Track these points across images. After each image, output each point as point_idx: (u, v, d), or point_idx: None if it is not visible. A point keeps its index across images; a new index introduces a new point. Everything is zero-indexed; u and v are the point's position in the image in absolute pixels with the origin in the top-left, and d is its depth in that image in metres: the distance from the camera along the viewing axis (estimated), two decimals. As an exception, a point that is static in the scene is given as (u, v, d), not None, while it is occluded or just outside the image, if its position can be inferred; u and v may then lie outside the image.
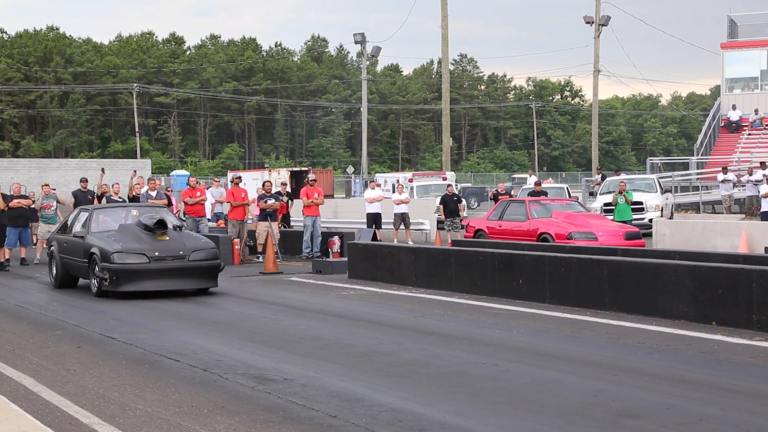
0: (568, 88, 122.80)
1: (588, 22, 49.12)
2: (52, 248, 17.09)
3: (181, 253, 14.94)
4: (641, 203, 27.06)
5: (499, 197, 26.13)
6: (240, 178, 24.18)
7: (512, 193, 33.69)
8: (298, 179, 40.77)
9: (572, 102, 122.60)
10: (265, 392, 7.82)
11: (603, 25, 48.93)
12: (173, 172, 59.74)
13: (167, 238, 15.23)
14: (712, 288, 11.06)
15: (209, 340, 10.66)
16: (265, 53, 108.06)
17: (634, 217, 24.43)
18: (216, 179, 30.67)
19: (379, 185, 29.61)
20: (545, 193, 25.90)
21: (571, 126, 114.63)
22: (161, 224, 15.32)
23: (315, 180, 23.95)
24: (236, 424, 6.83)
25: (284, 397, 7.63)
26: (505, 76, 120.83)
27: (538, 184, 28.45)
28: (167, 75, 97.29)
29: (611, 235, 19.54)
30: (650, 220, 24.36)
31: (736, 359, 8.99)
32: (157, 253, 14.79)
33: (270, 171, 47.52)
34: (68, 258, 16.33)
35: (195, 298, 14.97)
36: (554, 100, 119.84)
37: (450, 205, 26.22)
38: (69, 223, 17.09)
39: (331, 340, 10.57)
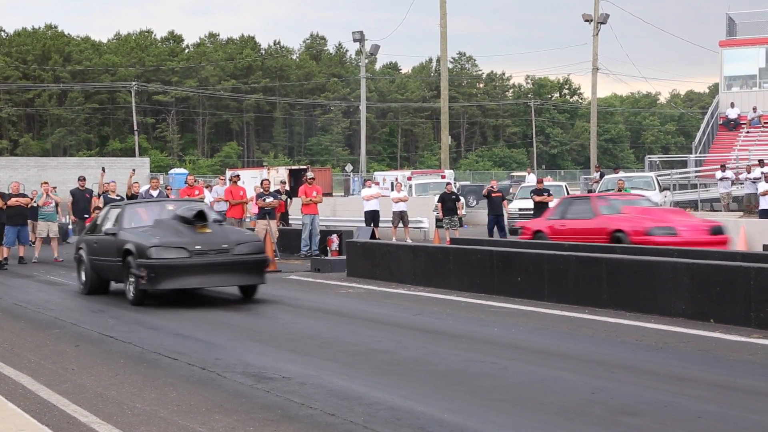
0: (566, 86, 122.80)
1: (587, 20, 49.11)
2: (81, 251, 15.67)
3: (224, 246, 13.64)
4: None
5: (492, 194, 26.00)
6: (238, 176, 24.17)
7: (510, 191, 33.62)
8: (296, 177, 40.75)
9: (571, 100, 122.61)
10: (263, 390, 7.82)
11: (602, 23, 48.93)
12: (171, 171, 59.70)
13: (208, 230, 13.92)
14: (710, 286, 11.06)
15: (207, 338, 10.66)
16: (263, 51, 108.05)
17: None
18: (222, 177, 30.63)
19: (376, 183, 29.60)
20: (547, 191, 25.87)
21: (570, 124, 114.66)
22: (201, 216, 14.02)
23: (313, 178, 23.94)
24: (234, 423, 6.83)
25: (282, 395, 7.63)
26: (503, 74, 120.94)
27: (540, 181, 28.46)
28: (166, 73, 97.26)
29: (694, 230, 17.84)
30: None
31: (734, 356, 8.99)
32: (198, 247, 13.44)
33: (269, 169, 47.50)
34: (99, 259, 14.99)
35: (192, 297, 14.93)
36: (553, 98, 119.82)
37: (448, 204, 26.22)
38: (98, 222, 15.83)
39: (329, 338, 10.56)
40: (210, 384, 8.16)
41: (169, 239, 13.53)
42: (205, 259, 13.44)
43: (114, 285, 15.48)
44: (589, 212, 19.26)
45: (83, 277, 15.63)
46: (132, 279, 13.62)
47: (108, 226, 15.04)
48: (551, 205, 25.92)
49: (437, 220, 27.45)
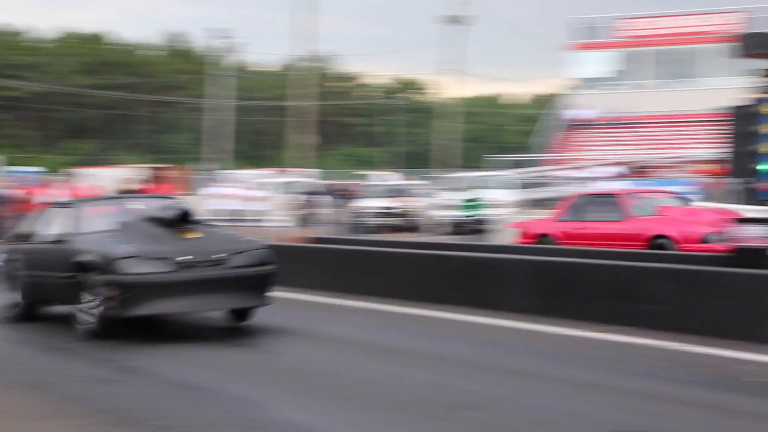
0: (427, 87, 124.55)
1: (447, 22, 49.92)
2: (15, 263, 11.76)
3: (219, 256, 10.44)
4: (490, 200, 27.43)
5: (343, 193, 26.18)
6: (86, 175, 23.57)
7: (362, 190, 33.76)
8: (153, 176, 40.02)
9: (431, 100, 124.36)
10: (101, 394, 7.63)
11: (463, 24, 49.82)
12: (15, 168, 57.55)
13: (196, 235, 10.75)
14: (555, 281, 11.39)
15: (43, 343, 10.32)
16: (124, 47, 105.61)
17: (482, 213, 24.68)
18: (67, 176, 29.83)
19: (232, 182, 29.43)
20: (403, 191, 26.18)
21: (430, 124, 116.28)
22: (185, 217, 10.87)
23: (169, 177, 23.58)
24: (69, 427, 6.63)
25: (121, 397, 7.46)
26: (367, 73, 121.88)
27: (396, 179, 28.82)
28: (20, 68, 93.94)
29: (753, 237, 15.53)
30: (498, 216, 24.58)
31: (575, 351, 9.28)
32: (185, 258, 10.23)
33: (125, 168, 46.47)
34: (40, 275, 11.26)
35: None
36: (414, 98, 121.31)
37: (311, 202, 26.25)
38: (33, 228, 11.99)
39: (174, 338, 10.35)
40: (46, 389, 7.90)
41: (147, 247, 10.26)
42: (195, 274, 10.23)
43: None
44: (617, 213, 16.48)
45: (15, 299, 11.76)
46: (92, 302, 10.18)
47: (53, 230, 11.37)
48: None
49: (297, 218, 27.43)
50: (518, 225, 19.18)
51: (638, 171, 33.87)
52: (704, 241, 14.86)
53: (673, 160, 35.33)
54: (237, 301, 10.76)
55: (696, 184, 25.42)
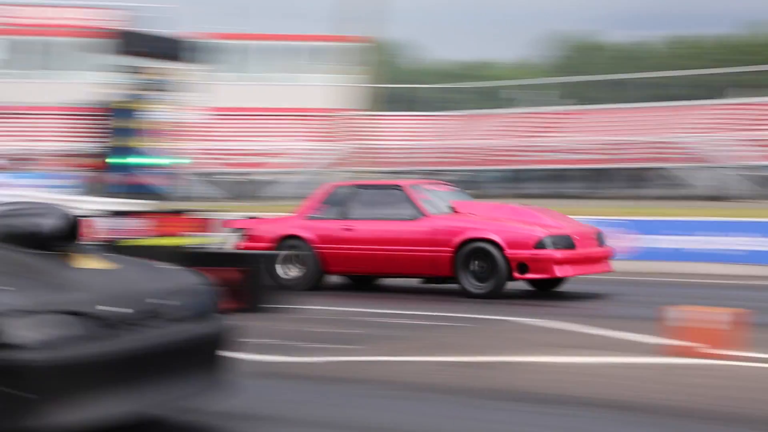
0: None
1: None
2: None
3: (151, 302, 4.84)
4: None
5: None
6: None
7: None
8: None
9: None
10: None
11: None
12: None
13: (105, 266, 5.04)
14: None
15: None
16: None
17: None
18: None
19: None
20: None
21: None
22: (75, 231, 5.07)
23: None
24: None
25: None
26: None
27: None
28: None
29: (586, 239, 12.56)
30: None
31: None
32: (101, 308, 4.52)
33: None
34: None
35: None
36: None
37: None
38: None
39: None
40: None
41: (36, 294, 4.44)
42: (139, 339, 4.66)
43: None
44: (408, 210, 12.57)
45: None
46: None
47: None
48: None
49: None
50: (243, 224, 14.09)
51: (18, 162, 33.19)
52: (540, 245, 11.79)
53: (55, 153, 35.12)
54: (190, 387, 4.98)
55: (76, 177, 25.51)
